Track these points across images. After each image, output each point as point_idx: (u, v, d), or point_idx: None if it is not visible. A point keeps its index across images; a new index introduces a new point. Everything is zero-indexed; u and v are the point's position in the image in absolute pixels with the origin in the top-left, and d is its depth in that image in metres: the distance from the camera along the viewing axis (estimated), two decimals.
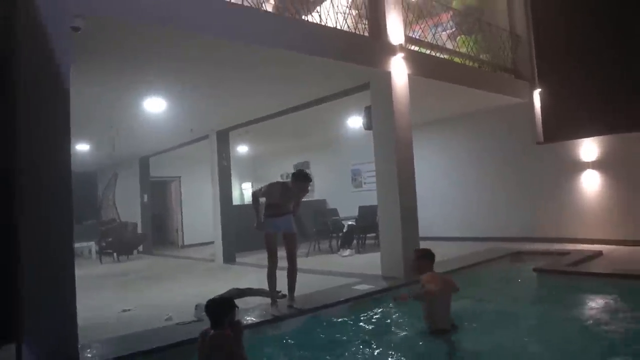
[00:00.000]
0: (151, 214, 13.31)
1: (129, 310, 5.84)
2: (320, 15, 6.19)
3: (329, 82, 6.91)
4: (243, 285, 6.14)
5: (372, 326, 4.68)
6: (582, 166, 8.58)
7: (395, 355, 3.87)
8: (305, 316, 4.86)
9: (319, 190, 13.73)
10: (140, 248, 12.69)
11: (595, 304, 5.20)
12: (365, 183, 12.28)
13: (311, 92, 7.41)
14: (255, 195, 5.29)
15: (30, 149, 3.55)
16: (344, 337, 4.34)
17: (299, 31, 5.70)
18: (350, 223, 10.07)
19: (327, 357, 3.89)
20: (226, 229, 9.81)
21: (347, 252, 9.39)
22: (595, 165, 8.44)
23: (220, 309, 3.25)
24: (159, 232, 14.29)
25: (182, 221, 14.06)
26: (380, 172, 6.63)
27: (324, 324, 4.72)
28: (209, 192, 12.86)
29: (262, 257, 9.19)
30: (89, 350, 3.89)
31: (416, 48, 7.32)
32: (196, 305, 5.27)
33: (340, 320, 4.81)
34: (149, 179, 13.38)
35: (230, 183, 10.14)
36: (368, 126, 6.85)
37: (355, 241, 9.76)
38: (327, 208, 12.46)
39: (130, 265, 10.66)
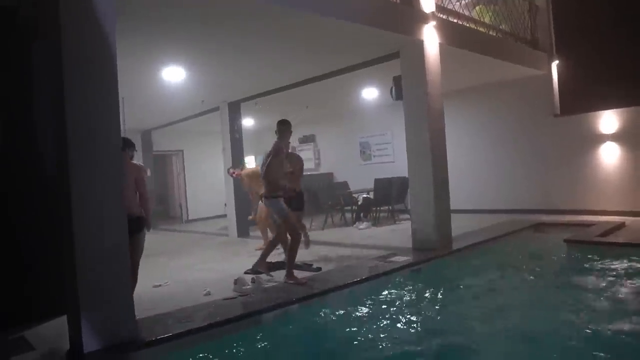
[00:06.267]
0: (155, 189, 13.04)
1: (159, 285, 5.70)
2: None
3: (357, 50, 6.68)
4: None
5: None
6: (601, 138, 8.56)
7: None
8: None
9: (326, 163, 13.59)
10: None
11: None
12: (374, 156, 12.14)
13: (337, 61, 7.19)
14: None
15: (79, 119, 3.36)
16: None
17: None
18: (365, 196, 9.98)
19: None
20: (240, 203, 9.62)
21: (364, 224, 9.32)
22: (614, 137, 8.42)
23: None
24: (161, 206, 14.04)
25: (185, 195, 13.82)
26: (412, 144, 6.49)
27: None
28: (213, 166, 12.68)
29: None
30: (143, 328, 3.75)
31: (444, 16, 7.11)
32: (235, 280, 5.17)
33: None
34: (152, 153, 13.08)
35: (243, 156, 9.90)
36: (397, 96, 6.68)
37: (370, 214, 9.69)
38: (336, 181, 12.33)
39: None
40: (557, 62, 9.37)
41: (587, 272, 5.20)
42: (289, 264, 5.11)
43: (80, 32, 3.38)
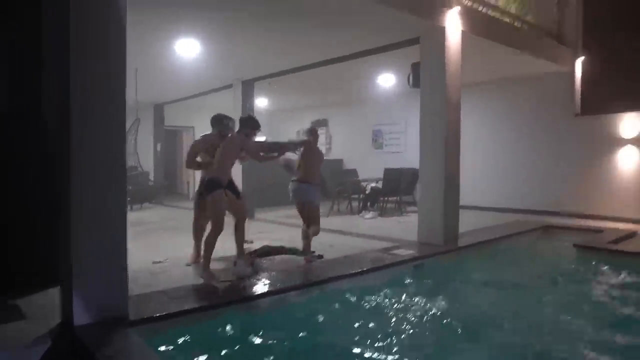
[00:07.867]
0: (164, 164, 13.01)
1: (159, 262, 5.63)
2: None
3: (376, 34, 6.47)
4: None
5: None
6: (620, 142, 8.31)
7: None
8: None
9: (337, 149, 13.42)
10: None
11: None
12: (386, 145, 11.95)
13: (355, 45, 6.99)
14: None
15: (84, 89, 3.21)
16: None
17: None
18: (373, 185, 9.82)
19: None
20: (247, 184, 9.49)
21: (370, 214, 9.18)
22: (635, 141, 8.16)
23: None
24: (168, 182, 14.00)
25: (194, 173, 13.73)
26: (426, 134, 6.30)
27: None
28: None
29: (283, 213, 9.00)
30: (136, 304, 3.65)
31: (468, 3, 6.85)
32: (235, 262, 5.08)
33: None
34: (163, 128, 13.00)
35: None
36: (415, 84, 6.47)
37: (377, 204, 9.56)
38: (344, 169, 12.17)
39: (144, 214, 10.41)
40: (582, 58, 9.05)
41: (597, 281, 5.02)
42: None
43: None
